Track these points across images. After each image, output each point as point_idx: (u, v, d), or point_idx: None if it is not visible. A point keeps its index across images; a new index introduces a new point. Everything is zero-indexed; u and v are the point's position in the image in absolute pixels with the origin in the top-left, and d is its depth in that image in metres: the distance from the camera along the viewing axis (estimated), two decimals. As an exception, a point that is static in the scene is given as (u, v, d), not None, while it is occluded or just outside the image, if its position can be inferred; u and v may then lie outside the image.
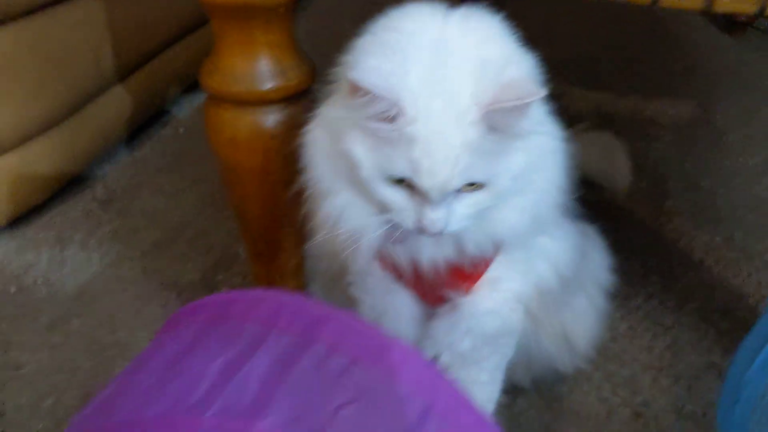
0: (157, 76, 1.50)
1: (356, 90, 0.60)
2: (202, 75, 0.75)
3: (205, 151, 1.47)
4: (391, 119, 0.61)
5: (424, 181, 0.62)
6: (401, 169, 0.63)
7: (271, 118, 0.74)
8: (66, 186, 1.34)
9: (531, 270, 0.79)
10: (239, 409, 0.47)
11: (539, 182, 0.69)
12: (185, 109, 1.66)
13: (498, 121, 0.61)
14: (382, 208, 0.67)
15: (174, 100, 1.65)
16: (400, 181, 0.64)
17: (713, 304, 1.12)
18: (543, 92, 0.61)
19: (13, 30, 1.11)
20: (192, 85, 1.72)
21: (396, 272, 0.77)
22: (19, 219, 1.26)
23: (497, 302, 0.78)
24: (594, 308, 0.92)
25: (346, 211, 0.70)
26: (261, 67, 0.72)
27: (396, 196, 0.65)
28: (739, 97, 1.76)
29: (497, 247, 0.73)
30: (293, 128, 0.74)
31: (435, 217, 0.64)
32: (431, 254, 0.72)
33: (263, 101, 0.73)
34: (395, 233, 0.69)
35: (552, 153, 0.69)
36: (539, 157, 0.67)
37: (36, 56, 1.16)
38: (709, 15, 2.19)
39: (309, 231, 0.76)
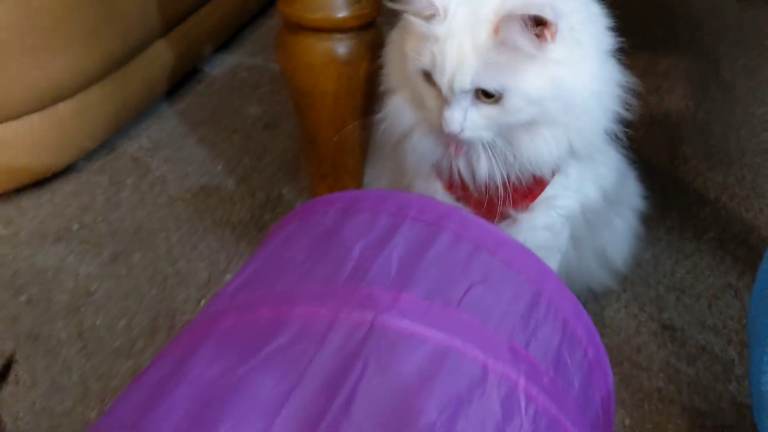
0: (193, 34, 1.57)
1: None
2: (280, 4, 0.82)
3: (239, 104, 1.57)
4: (429, 18, 0.71)
5: (437, 77, 0.72)
6: (427, 63, 0.72)
7: (344, 45, 0.82)
8: (113, 136, 1.41)
9: (581, 190, 0.88)
10: (387, 281, 0.55)
11: (571, 119, 0.75)
12: (217, 67, 1.73)
13: (510, 35, 0.68)
14: (422, 106, 0.77)
15: (207, 59, 1.72)
16: (430, 78, 0.73)
17: (729, 235, 1.20)
18: (553, 19, 0.67)
19: (73, -19, 1.18)
20: (222, 46, 1.79)
21: (458, 192, 0.85)
22: (73, 165, 1.33)
23: (552, 218, 0.86)
24: (629, 229, 1.01)
25: (402, 109, 0.80)
26: (338, -5, 0.80)
27: (428, 93, 0.75)
28: (744, 53, 1.84)
29: (544, 172, 0.81)
30: (363, 55, 0.83)
31: (450, 116, 0.72)
32: (487, 170, 0.80)
33: (338, 29, 0.81)
34: (452, 145, 0.78)
35: (589, 93, 0.75)
36: (569, 93, 0.73)
37: (89, 7, 1.22)
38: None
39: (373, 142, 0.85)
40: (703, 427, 0.89)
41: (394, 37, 0.81)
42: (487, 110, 0.72)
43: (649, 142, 1.45)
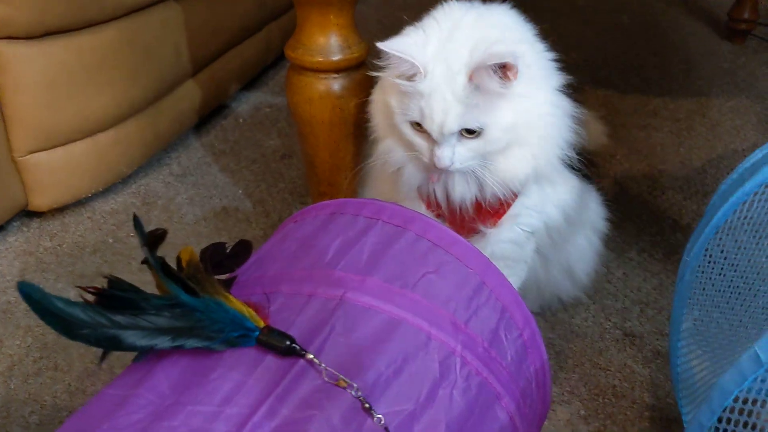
0: (221, 74, 1.75)
1: (384, 55, 0.85)
2: (287, 49, 0.98)
3: (260, 138, 1.74)
4: (411, 78, 0.85)
5: (428, 125, 0.86)
6: (415, 115, 0.87)
7: (338, 83, 0.98)
8: (146, 163, 1.58)
9: (543, 210, 1.01)
10: (357, 268, 0.70)
11: (535, 138, 0.89)
12: (243, 104, 1.91)
13: (482, 82, 0.83)
14: (410, 147, 0.91)
15: (233, 97, 1.91)
16: (419, 126, 0.88)
17: (695, 257, 1.33)
18: (514, 62, 0.81)
19: (117, 26, 1.35)
20: (247, 85, 1.98)
21: (436, 210, 0.99)
22: (111, 188, 1.51)
23: (517, 233, 1.00)
24: (591, 247, 1.14)
25: (391, 151, 0.95)
26: (333, 43, 0.96)
27: (417, 138, 0.90)
28: (734, 95, 1.97)
29: (511, 191, 0.95)
30: (353, 91, 0.98)
31: (441, 154, 0.87)
32: (460, 193, 0.94)
33: (334, 69, 0.97)
34: (433, 174, 0.93)
35: (547, 116, 0.89)
36: (533, 118, 0.87)
37: (132, 49, 1.40)
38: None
39: (367, 169, 1.00)
40: (650, 419, 1.01)
41: (376, 95, 0.96)
42: (471, 144, 0.87)
43: (632, 173, 1.59)
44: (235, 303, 0.64)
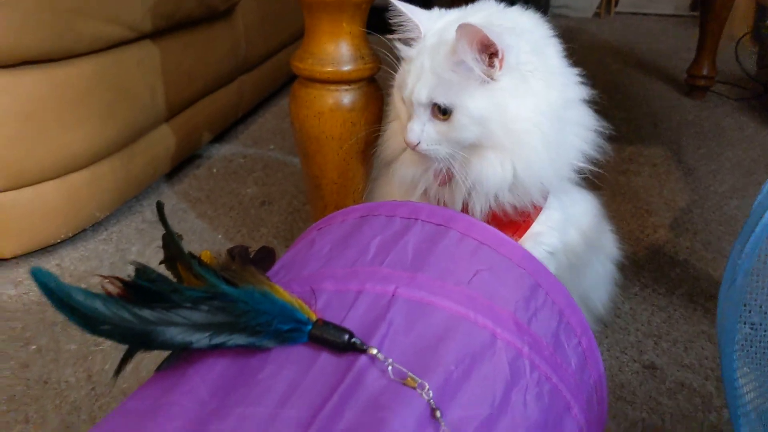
0: (195, 121, 1.69)
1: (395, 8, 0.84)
2: (294, 61, 0.93)
3: (236, 186, 1.66)
4: (411, 42, 0.84)
5: (402, 91, 0.84)
6: (399, 83, 0.85)
7: (349, 95, 0.92)
8: (118, 209, 1.49)
9: (563, 230, 0.96)
10: (404, 265, 0.63)
11: (513, 144, 0.82)
12: (215, 155, 1.83)
13: (465, 58, 0.78)
14: (402, 126, 0.87)
15: (205, 148, 1.84)
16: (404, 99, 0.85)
17: (699, 290, 1.29)
18: (500, 46, 0.76)
19: (93, 61, 1.28)
20: (219, 137, 1.91)
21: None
22: (81, 234, 1.40)
23: (538, 252, 0.94)
24: (608, 274, 1.09)
25: (393, 135, 0.91)
26: (344, 52, 0.91)
27: (402, 110, 0.86)
28: (704, 143, 2.00)
29: (532, 203, 0.89)
30: (365, 105, 0.93)
31: (411, 127, 0.83)
32: (462, 197, 0.88)
33: (345, 80, 0.92)
34: (438, 174, 0.87)
35: (531, 125, 0.81)
36: (512, 120, 0.80)
37: (107, 87, 1.33)
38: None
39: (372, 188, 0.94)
40: (688, 450, 0.94)
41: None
42: (440, 126, 0.82)
43: (620, 214, 1.57)
44: (282, 293, 0.56)
